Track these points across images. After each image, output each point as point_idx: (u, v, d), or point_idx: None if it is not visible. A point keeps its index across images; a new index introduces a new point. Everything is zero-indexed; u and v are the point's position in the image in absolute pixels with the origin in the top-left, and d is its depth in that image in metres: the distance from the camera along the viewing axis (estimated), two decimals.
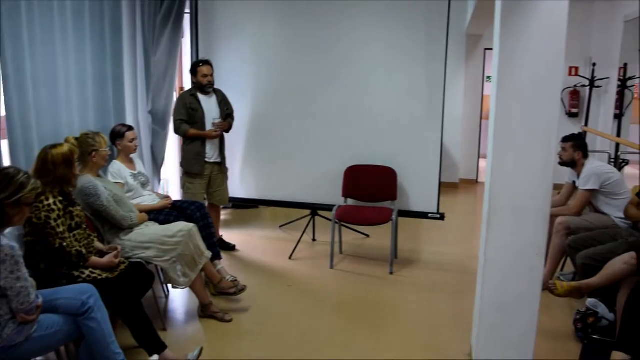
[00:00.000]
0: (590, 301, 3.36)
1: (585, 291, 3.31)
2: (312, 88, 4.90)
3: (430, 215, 4.68)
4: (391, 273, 4.46)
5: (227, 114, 4.73)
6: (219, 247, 4.12)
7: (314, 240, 5.28)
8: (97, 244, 3.13)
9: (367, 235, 5.41)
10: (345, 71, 4.80)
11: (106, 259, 2.99)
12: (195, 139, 4.54)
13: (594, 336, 3.09)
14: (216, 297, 3.80)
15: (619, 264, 3.09)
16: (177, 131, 4.59)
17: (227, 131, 4.76)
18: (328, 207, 4.73)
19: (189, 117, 4.50)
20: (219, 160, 4.72)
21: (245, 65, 5.08)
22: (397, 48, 4.66)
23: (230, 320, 3.56)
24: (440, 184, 4.69)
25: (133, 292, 3.00)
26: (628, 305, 2.69)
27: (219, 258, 3.94)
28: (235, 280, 3.79)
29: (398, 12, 4.60)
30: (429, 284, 4.30)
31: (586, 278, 3.32)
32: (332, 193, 4.83)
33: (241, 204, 6.19)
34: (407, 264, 4.73)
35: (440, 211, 4.68)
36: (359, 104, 4.80)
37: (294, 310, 3.80)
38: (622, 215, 3.88)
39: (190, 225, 3.51)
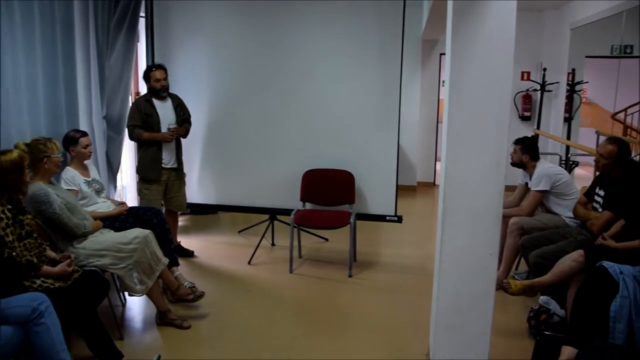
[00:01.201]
0: (542, 298, 3.45)
1: (537, 289, 3.41)
2: (270, 93, 4.90)
3: (388, 218, 4.73)
4: (350, 276, 4.49)
5: (183, 119, 4.67)
6: (176, 253, 4.07)
7: (273, 244, 5.27)
8: (49, 253, 3.05)
9: (326, 239, 5.43)
10: (302, 76, 4.82)
11: (58, 267, 2.91)
12: (151, 144, 4.47)
13: (546, 332, 3.18)
14: (174, 304, 3.75)
15: (568, 261, 3.19)
16: (131, 136, 4.52)
17: (184, 136, 4.71)
18: (287, 212, 4.73)
19: (143, 122, 4.43)
20: (175, 165, 4.66)
21: (202, 70, 5.04)
22: (353, 53, 4.70)
23: (188, 327, 3.51)
24: (397, 186, 4.74)
25: (87, 301, 2.94)
26: (576, 301, 2.78)
27: (177, 264, 3.89)
28: (194, 287, 3.75)
29: (354, 17, 4.64)
30: (388, 286, 4.35)
31: (538, 276, 3.41)
32: (290, 197, 4.83)
33: (199, 210, 6.14)
34: (366, 266, 4.77)
35: (398, 214, 4.74)
36: (316, 108, 4.82)
37: (253, 316, 3.78)
38: (571, 215, 4.01)
39: (147, 231, 3.46)
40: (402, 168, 7.35)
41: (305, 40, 4.78)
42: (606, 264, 2.68)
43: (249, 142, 5.01)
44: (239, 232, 5.72)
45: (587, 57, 7.98)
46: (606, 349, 2.28)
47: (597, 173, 3.92)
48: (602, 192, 3.73)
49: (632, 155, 9.29)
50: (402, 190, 7.34)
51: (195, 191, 5.19)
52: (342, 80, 4.76)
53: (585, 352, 2.28)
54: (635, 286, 2.54)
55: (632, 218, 3.26)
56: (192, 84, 5.01)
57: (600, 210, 3.68)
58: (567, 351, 2.66)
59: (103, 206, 3.82)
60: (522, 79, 8.23)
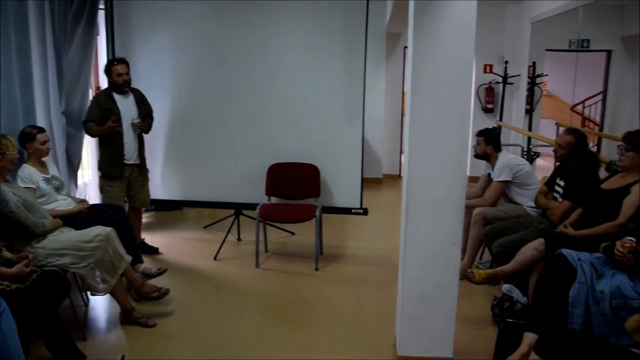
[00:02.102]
0: (505, 287, 3.51)
1: (500, 278, 3.47)
2: (233, 87, 4.84)
3: (353, 210, 4.75)
4: (317, 269, 4.50)
5: (145, 114, 4.59)
6: (141, 250, 4.00)
7: (239, 240, 5.24)
8: (6, 253, 2.96)
9: (293, 233, 5.43)
10: (266, 70, 4.78)
11: (16, 268, 2.82)
12: (112, 140, 4.38)
13: (509, 320, 3.24)
14: (139, 303, 3.70)
15: (530, 250, 3.25)
16: (85, 131, 4.43)
17: (147, 132, 4.63)
18: (252, 206, 4.69)
19: (102, 117, 4.33)
20: (138, 161, 4.57)
21: (164, 64, 4.95)
22: (317, 46, 4.69)
23: (154, 325, 3.46)
24: (362, 179, 4.76)
25: (47, 302, 2.86)
26: (537, 288, 2.84)
27: (140, 262, 3.84)
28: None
29: (318, 11, 4.63)
30: (354, 278, 4.37)
31: (502, 265, 3.47)
32: (256, 192, 4.80)
33: (164, 206, 6.05)
34: (333, 259, 4.78)
35: (364, 206, 4.76)
36: (280, 102, 4.80)
37: (220, 312, 3.75)
38: (533, 205, 4.10)
39: (108, 229, 3.39)
40: (368, 161, 7.39)
41: (270, 35, 4.75)
42: (565, 251, 2.74)
43: (213, 136, 4.95)
44: (205, 227, 5.66)
45: (547, 50, 8.16)
46: (563, 334, 2.33)
47: (557, 163, 4.00)
48: (562, 182, 3.82)
49: (590, 146, 9.55)
50: (368, 183, 7.35)
51: (159, 187, 5.10)
52: (307, 74, 4.74)
53: (543, 338, 2.33)
54: (592, 272, 2.61)
55: (589, 207, 3.34)
56: (154, 78, 4.92)
57: (560, 199, 3.76)
58: (529, 337, 2.72)
59: (63, 204, 3.73)
60: (485, 71, 8.35)
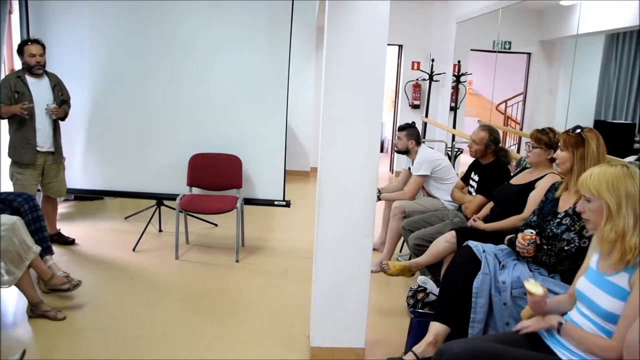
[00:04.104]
0: (420, 278, 3.61)
1: (414, 269, 3.57)
2: (155, 76, 4.72)
3: (276, 202, 4.75)
4: (237, 261, 4.47)
5: (62, 100, 4.41)
6: (56, 241, 3.84)
7: (160, 231, 5.13)
8: None
9: (216, 225, 5.37)
10: (189, 59, 4.69)
11: None
12: (24, 124, 4.17)
13: (420, 310, 3.34)
14: (49, 295, 3.56)
15: (442, 242, 3.36)
16: None
17: (63, 119, 4.44)
18: (174, 197, 4.60)
19: (12, 100, 4.11)
20: (52, 149, 4.38)
21: (83, 48, 4.76)
22: (240, 36, 4.64)
23: (63, 319, 3.33)
24: (285, 171, 4.76)
25: None
26: (444, 279, 2.94)
27: (50, 253, 3.67)
28: (68, 276, 3.56)
29: (242, 2, 4.57)
30: (274, 270, 4.37)
31: (418, 257, 3.57)
32: (177, 182, 4.71)
33: (84, 196, 5.84)
34: (254, 251, 4.77)
35: (288, 198, 4.77)
36: (203, 91, 4.72)
37: (135, 305, 3.66)
38: (450, 199, 4.23)
39: (14, 218, 3.24)
40: (296, 154, 7.42)
41: (194, 23, 4.66)
42: (471, 243, 2.85)
43: (135, 125, 4.81)
44: (126, 218, 5.51)
45: (472, 50, 8.43)
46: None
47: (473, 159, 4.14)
48: (476, 177, 3.96)
49: (512, 144, 9.96)
50: (296, 176, 7.40)
51: (79, 176, 4.92)
52: (231, 65, 4.68)
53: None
54: (495, 263, 2.72)
55: (499, 201, 3.48)
56: (71, 62, 4.73)
57: (474, 193, 3.90)
58: (435, 327, 2.81)
59: None
60: (413, 68, 8.54)
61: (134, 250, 4.62)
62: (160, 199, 4.98)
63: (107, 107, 4.82)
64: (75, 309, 3.50)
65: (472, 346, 2.06)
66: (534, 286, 2.09)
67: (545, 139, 3.18)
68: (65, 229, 4.84)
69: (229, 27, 4.65)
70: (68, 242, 4.69)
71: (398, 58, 8.76)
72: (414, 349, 2.83)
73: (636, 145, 7.82)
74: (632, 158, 4.61)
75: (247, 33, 4.62)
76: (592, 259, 2.06)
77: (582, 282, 2.04)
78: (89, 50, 4.77)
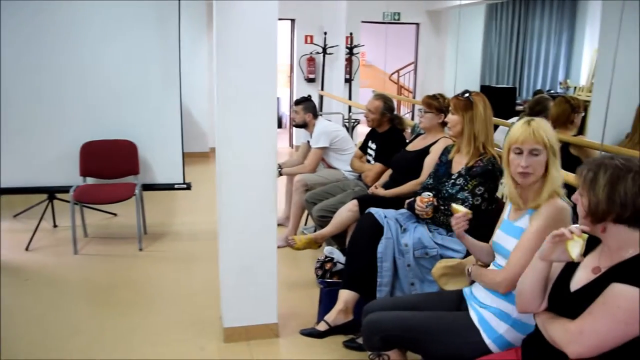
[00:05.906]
0: (327, 249, 3.66)
1: (320, 241, 3.61)
2: (39, 60, 4.36)
3: (176, 186, 4.60)
4: (141, 249, 4.32)
5: None
6: None
7: (55, 226, 4.83)
8: None
9: (115, 214, 5.14)
10: (73, 41, 4.36)
11: None
12: None
13: (328, 280, 3.41)
14: None
15: (345, 212, 3.42)
16: None
17: None
18: (67, 189, 4.33)
19: None
20: None
21: None
22: (125, 15, 4.39)
23: None
24: (183, 153, 4.63)
25: None
26: (349, 247, 3.01)
27: None
28: None
29: None
30: (181, 255, 4.27)
31: (323, 228, 3.62)
32: (70, 173, 4.43)
33: None
34: (158, 237, 4.63)
35: (187, 181, 4.64)
36: (90, 75, 4.41)
37: (34, 306, 3.43)
38: (350, 169, 4.31)
39: None
40: (194, 134, 7.23)
41: (75, 7, 4.34)
42: (373, 210, 2.93)
43: (18, 115, 4.41)
44: (15, 216, 5.13)
45: (363, 22, 8.59)
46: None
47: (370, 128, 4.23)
48: (373, 145, 4.06)
49: (406, 112, 10.33)
50: (195, 157, 7.22)
51: None
52: (117, 45, 4.41)
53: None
54: (397, 227, 2.81)
55: (397, 167, 3.59)
56: None
57: (372, 162, 4.00)
58: (344, 294, 2.89)
59: None
60: (306, 42, 8.55)
61: (27, 249, 4.32)
62: (52, 192, 4.66)
63: None
64: None
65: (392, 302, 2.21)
66: (459, 207, 2.25)
67: (436, 104, 3.31)
68: None
69: (114, 6, 4.38)
70: None
71: (291, 32, 8.74)
72: (325, 318, 2.89)
73: (518, 107, 8.39)
74: (514, 119, 4.91)
75: (133, 9, 4.38)
76: (505, 212, 2.16)
77: (496, 234, 2.14)
78: None
